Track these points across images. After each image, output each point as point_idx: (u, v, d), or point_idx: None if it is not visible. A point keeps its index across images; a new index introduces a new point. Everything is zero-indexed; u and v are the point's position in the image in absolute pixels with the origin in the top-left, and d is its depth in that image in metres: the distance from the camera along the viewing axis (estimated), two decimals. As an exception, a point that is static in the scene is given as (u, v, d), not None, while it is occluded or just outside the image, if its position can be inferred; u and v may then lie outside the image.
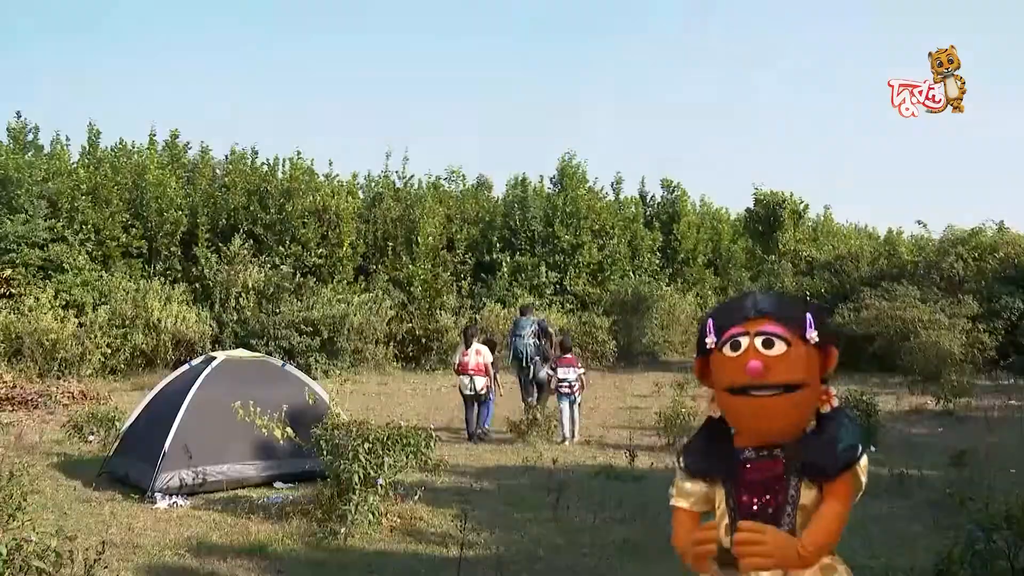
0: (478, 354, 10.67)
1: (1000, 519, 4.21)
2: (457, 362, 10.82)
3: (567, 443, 10.41)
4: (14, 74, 49.59)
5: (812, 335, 2.12)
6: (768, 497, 2.18)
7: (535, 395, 11.48)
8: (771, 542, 2.01)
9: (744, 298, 2.24)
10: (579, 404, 10.87)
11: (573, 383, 10.60)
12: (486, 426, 10.76)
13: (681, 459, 2.35)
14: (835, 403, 2.22)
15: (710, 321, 2.22)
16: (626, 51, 72.78)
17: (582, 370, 10.94)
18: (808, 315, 2.16)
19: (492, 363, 10.81)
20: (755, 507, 2.18)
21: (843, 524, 2.16)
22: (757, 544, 2.01)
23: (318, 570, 5.56)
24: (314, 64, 68.97)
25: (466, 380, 10.57)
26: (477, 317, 20.33)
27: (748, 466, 2.21)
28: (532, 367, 11.47)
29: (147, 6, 63.25)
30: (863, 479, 2.23)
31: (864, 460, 2.23)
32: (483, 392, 10.59)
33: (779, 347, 2.08)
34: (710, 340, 2.19)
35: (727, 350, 2.14)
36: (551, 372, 10.95)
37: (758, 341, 2.09)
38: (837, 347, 2.23)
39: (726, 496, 2.24)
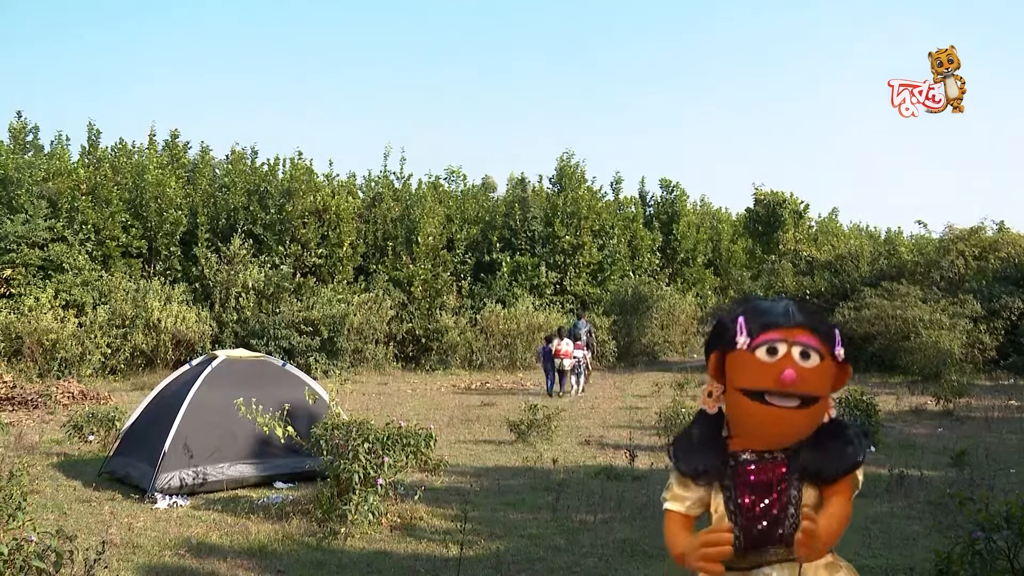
0: (566, 344, 16.00)
1: (1000, 519, 4.19)
2: (554, 349, 15.97)
3: (579, 396, 15.68)
4: (14, 74, 49.64)
5: (840, 352, 2.14)
6: (772, 498, 2.18)
7: (571, 380, 16.22)
8: (819, 529, 2.06)
9: (776, 303, 2.23)
10: (585, 376, 16.44)
11: (581, 360, 16.16)
12: (564, 389, 15.96)
13: (673, 456, 2.33)
14: (833, 413, 2.24)
15: (741, 320, 2.19)
16: (627, 51, 72.80)
17: (586, 352, 16.42)
18: (836, 330, 2.18)
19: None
20: (758, 509, 2.18)
21: (848, 519, 2.20)
22: (816, 538, 2.05)
23: (318, 570, 5.55)
24: (314, 64, 69.05)
25: (558, 361, 15.89)
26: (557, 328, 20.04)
27: (750, 467, 2.20)
28: (585, 356, 16.51)
29: (148, 6, 63.30)
30: (860, 478, 2.27)
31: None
32: (568, 368, 15.91)
33: (814, 360, 2.10)
34: (743, 340, 2.16)
35: (761, 353, 2.12)
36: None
37: (796, 351, 2.10)
38: (852, 365, 2.26)
39: (725, 500, 2.23)
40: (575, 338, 16.57)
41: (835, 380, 2.20)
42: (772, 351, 2.11)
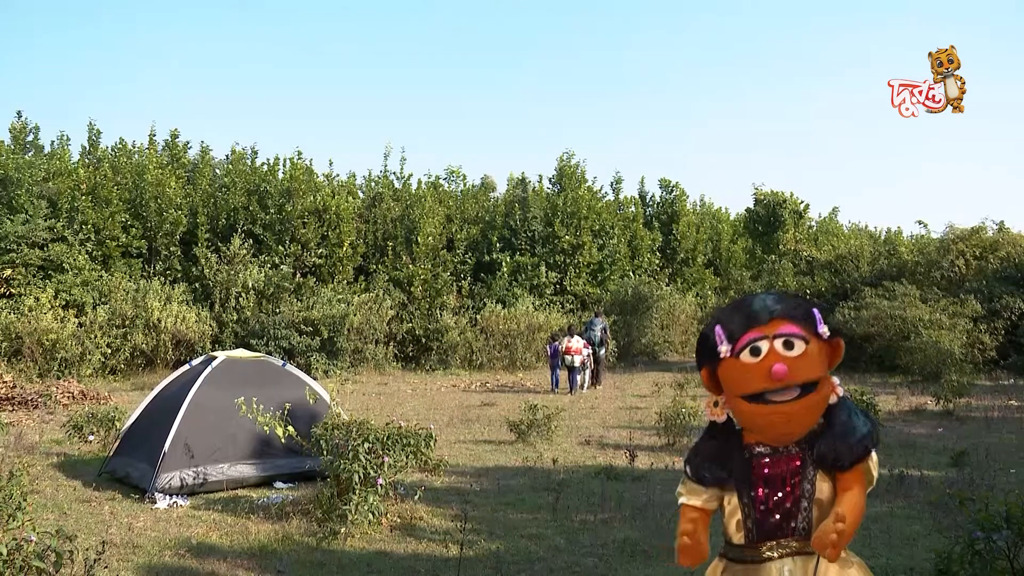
0: (575, 341, 16.55)
1: (1000, 519, 4.20)
2: (563, 348, 16.56)
3: (578, 394, 16.20)
4: (14, 74, 49.66)
5: (824, 330, 2.12)
6: (786, 491, 2.17)
7: (587, 373, 17.11)
8: (848, 525, 2.04)
9: (750, 301, 2.20)
10: (585, 373, 16.91)
11: (584, 359, 16.67)
12: (577, 386, 16.54)
13: (690, 470, 2.32)
14: (840, 392, 2.20)
15: (718, 328, 2.18)
16: (628, 50, 72.84)
17: (589, 350, 16.93)
18: (815, 311, 2.15)
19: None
20: (771, 502, 2.18)
21: (863, 512, 2.17)
22: (845, 537, 2.03)
23: (318, 570, 5.56)
24: (314, 64, 69.07)
25: (568, 358, 16.43)
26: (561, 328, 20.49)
27: (765, 461, 2.20)
28: (596, 351, 17.36)
29: (148, 6, 63.32)
30: (875, 473, 2.24)
31: (874, 455, 2.22)
32: (578, 365, 16.47)
33: (799, 347, 2.08)
34: (724, 349, 2.15)
35: (746, 356, 2.11)
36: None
37: (778, 344, 2.08)
38: (842, 338, 2.23)
39: (739, 493, 2.23)
40: (586, 336, 17.27)
41: (829, 358, 2.18)
42: (755, 351, 2.09)
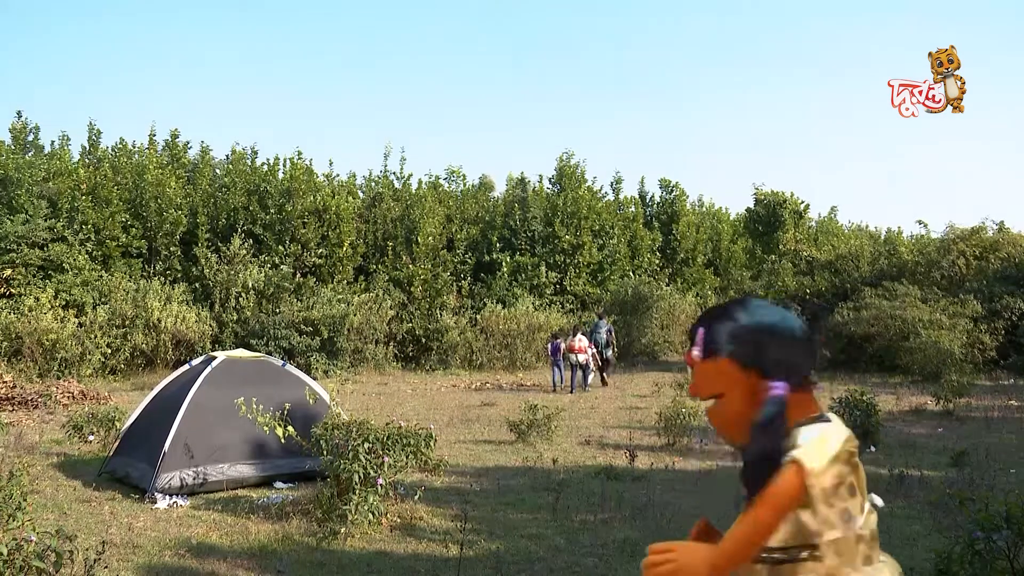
0: (580, 340, 16.97)
1: (1000, 519, 4.20)
2: (567, 346, 17.01)
3: (578, 394, 16.33)
4: (14, 74, 49.67)
5: (695, 354, 2.09)
6: (752, 494, 2.20)
7: (591, 370, 17.41)
8: (681, 559, 1.81)
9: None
10: (589, 372, 17.17)
11: (588, 359, 17.03)
12: (585, 385, 16.97)
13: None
14: (771, 394, 1.95)
15: None
16: (628, 50, 72.85)
17: (593, 350, 17.30)
18: (699, 330, 2.08)
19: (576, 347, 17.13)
20: (749, 504, 2.22)
21: (759, 533, 1.82)
22: (661, 565, 1.82)
23: (318, 570, 5.56)
24: (314, 64, 69.06)
25: (573, 356, 16.82)
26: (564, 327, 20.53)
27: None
28: (603, 352, 17.89)
29: (148, 6, 63.32)
30: (812, 482, 1.81)
31: (814, 463, 1.81)
32: (583, 363, 16.83)
33: (696, 368, 2.16)
34: None
35: None
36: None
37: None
38: (729, 354, 2.04)
39: None
40: (592, 339, 17.70)
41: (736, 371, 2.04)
42: None
